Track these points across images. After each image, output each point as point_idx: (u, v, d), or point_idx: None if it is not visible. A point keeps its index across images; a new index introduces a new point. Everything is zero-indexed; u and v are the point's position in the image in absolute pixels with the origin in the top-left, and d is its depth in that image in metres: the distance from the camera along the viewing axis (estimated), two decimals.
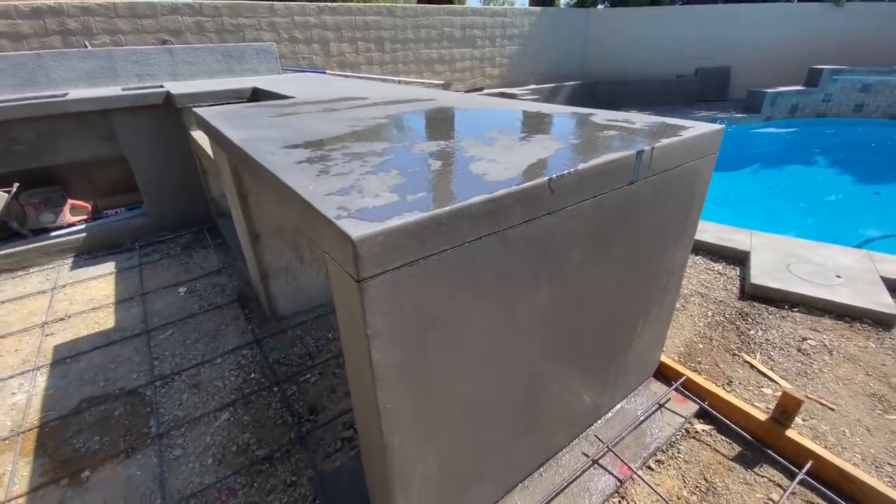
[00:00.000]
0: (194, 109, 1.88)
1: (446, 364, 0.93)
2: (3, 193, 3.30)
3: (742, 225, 3.06)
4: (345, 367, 1.99)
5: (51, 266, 3.05)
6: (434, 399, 0.95)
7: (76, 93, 3.32)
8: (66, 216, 3.50)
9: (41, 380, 2.00)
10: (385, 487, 1.00)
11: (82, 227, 3.37)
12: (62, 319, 2.44)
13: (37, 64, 3.33)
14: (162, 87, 3.51)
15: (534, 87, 8.39)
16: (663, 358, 1.85)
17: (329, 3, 6.29)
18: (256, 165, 1.13)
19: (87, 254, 3.21)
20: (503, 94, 7.71)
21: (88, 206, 3.64)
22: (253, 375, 1.97)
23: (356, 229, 0.69)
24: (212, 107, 2.00)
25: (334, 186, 0.90)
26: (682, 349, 2.05)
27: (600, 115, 1.57)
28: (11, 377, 2.03)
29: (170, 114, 3.19)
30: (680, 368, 1.82)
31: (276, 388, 1.89)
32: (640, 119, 1.48)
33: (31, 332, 2.35)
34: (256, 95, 3.17)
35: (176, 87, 3.25)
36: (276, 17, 6.05)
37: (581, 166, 0.98)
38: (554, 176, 0.92)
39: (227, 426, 1.71)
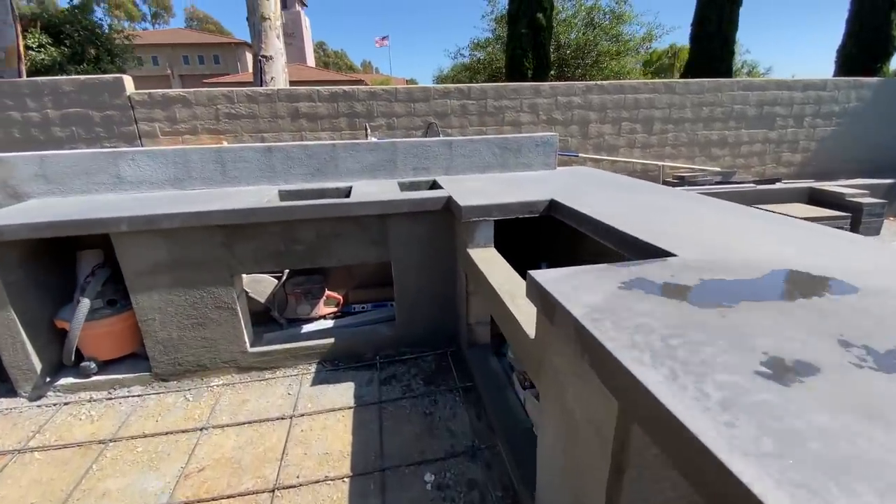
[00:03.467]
0: (558, 300, 1.06)
1: None
2: (273, 279, 3.28)
3: None
4: None
5: (294, 374, 2.75)
6: None
7: (357, 186, 3.15)
8: (320, 307, 3.32)
9: None
10: None
11: (330, 330, 3.08)
12: (293, 487, 1.91)
13: (330, 155, 3.30)
14: (441, 188, 3.10)
15: (860, 181, 5.97)
16: None
17: (598, 82, 5.58)
18: None
19: (329, 362, 2.85)
20: (813, 190, 5.68)
21: (340, 297, 3.43)
22: None
23: None
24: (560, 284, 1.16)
25: None
26: None
27: None
28: None
29: (444, 220, 2.68)
30: None
31: None
32: None
33: (261, 496, 1.87)
34: (553, 209, 2.39)
35: (455, 193, 2.74)
36: (539, 99, 5.63)
37: None
38: None
39: None
